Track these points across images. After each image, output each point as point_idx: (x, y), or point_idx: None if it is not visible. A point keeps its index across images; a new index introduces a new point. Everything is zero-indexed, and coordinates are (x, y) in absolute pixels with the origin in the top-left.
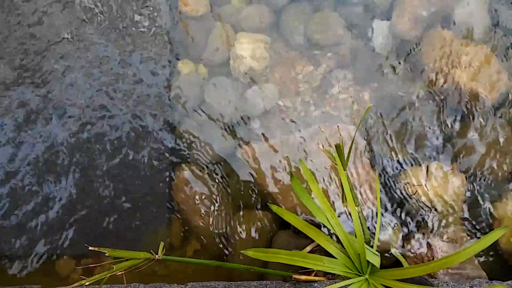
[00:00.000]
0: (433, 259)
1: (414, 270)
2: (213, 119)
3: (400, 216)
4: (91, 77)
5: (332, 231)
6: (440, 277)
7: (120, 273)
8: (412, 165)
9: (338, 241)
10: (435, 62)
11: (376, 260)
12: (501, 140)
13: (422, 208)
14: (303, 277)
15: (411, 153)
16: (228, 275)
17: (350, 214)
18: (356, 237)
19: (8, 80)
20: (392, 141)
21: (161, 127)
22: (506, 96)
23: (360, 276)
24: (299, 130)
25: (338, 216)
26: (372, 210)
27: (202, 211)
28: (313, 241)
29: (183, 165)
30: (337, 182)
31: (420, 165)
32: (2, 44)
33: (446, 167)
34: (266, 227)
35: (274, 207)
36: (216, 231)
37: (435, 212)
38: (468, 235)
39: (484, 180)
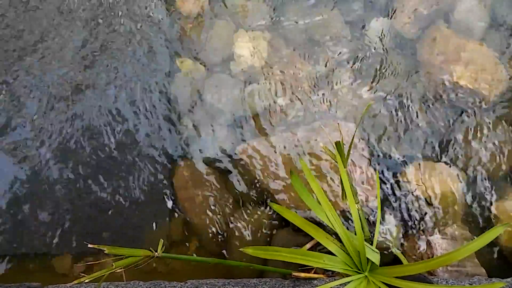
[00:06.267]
0: (432, 257)
1: (414, 268)
2: (213, 117)
3: (400, 213)
4: (89, 75)
5: (332, 229)
6: (439, 275)
7: (120, 270)
8: (412, 163)
9: (338, 238)
10: (434, 60)
11: (375, 258)
12: (501, 138)
13: (422, 206)
14: (303, 275)
15: (411, 151)
16: (228, 272)
17: (350, 212)
18: (356, 234)
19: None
20: (391, 138)
21: (161, 125)
22: (505, 94)
23: (359, 273)
24: (299, 128)
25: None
26: (372, 208)
27: (202, 208)
28: (313, 238)
29: (183, 163)
30: (337, 179)
31: (420, 163)
32: None
33: (445, 165)
34: (266, 225)
35: (274, 205)
36: (216, 229)
37: (434, 210)
38: (467, 232)
39: (484, 178)
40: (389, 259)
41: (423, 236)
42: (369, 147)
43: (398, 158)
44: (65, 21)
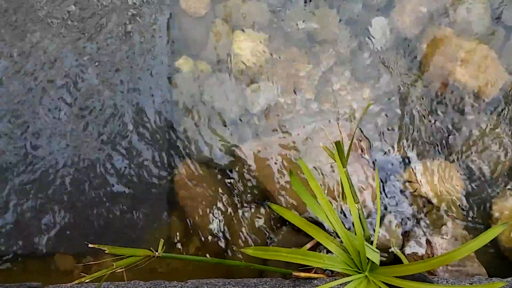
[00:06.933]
0: (432, 256)
1: (414, 267)
2: (213, 116)
3: (400, 213)
4: (88, 74)
5: (332, 229)
6: (440, 274)
7: (120, 270)
8: (411, 162)
9: (338, 238)
10: (434, 59)
11: (375, 257)
12: (501, 137)
13: (422, 205)
14: (303, 274)
15: (411, 150)
16: (228, 272)
17: (350, 211)
18: (355, 234)
19: None
20: (392, 138)
21: (161, 124)
22: (505, 93)
23: (359, 273)
24: (299, 128)
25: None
26: (371, 208)
27: (202, 208)
28: (313, 238)
29: (183, 163)
30: (337, 179)
31: (420, 162)
32: None
33: (445, 164)
34: (266, 225)
35: (273, 206)
36: (216, 229)
37: (435, 209)
38: (467, 232)
39: (484, 177)
40: (389, 259)
41: (423, 236)
42: (369, 146)
43: (398, 158)
44: (63, 20)
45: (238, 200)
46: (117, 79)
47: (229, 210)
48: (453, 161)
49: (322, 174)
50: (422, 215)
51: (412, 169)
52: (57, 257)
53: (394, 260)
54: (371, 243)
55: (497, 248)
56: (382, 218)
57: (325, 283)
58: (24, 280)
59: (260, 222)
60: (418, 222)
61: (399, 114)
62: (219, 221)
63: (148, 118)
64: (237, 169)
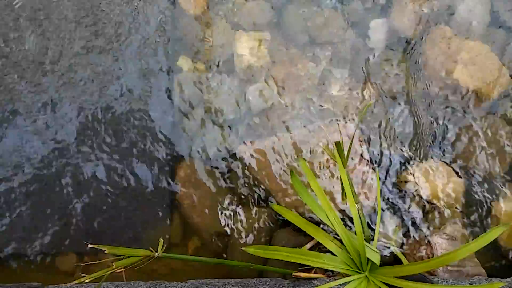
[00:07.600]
0: (432, 257)
1: (414, 267)
2: (213, 116)
3: (400, 213)
4: (88, 74)
5: (332, 229)
6: (439, 275)
7: (120, 270)
8: (411, 163)
9: (338, 238)
10: (435, 59)
11: (375, 257)
12: (501, 137)
13: (422, 206)
14: (303, 275)
15: (411, 151)
16: (228, 272)
17: (350, 212)
18: (356, 234)
19: None
20: (391, 138)
21: (161, 124)
22: (506, 94)
23: (359, 273)
24: (299, 128)
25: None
26: (371, 208)
27: (202, 208)
28: (313, 238)
29: (183, 163)
30: (337, 179)
31: (420, 163)
32: None
33: (445, 165)
34: (266, 225)
35: (274, 206)
36: (216, 229)
37: (435, 209)
38: (467, 232)
39: (484, 177)
40: (389, 259)
41: (423, 236)
42: (369, 147)
43: (398, 158)
44: (64, 20)
45: (238, 200)
46: (116, 79)
47: (229, 210)
48: (454, 161)
49: (322, 174)
50: (422, 215)
51: (412, 169)
52: (57, 257)
53: (394, 260)
54: (371, 243)
55: (497, 249)
56: (382, 218)
57: (325, 283)
58: (23, 280)
59: (260, 222)
60: (418, 222)
61: (399, 115)
62: (219, 221)
63: (147, 118)
64: (237, 169)
